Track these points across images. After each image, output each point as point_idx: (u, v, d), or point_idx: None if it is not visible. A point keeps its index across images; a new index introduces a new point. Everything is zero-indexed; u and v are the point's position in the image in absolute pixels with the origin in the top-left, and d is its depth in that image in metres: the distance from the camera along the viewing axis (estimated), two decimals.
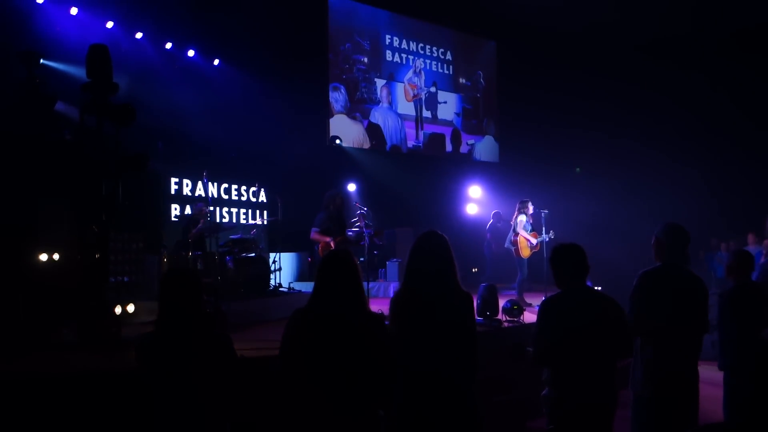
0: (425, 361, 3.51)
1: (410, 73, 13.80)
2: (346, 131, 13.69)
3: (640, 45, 16.77)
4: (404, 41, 13.70)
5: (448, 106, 14.76)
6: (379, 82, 13.38)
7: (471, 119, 15.25)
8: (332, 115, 13.52)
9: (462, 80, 15.04)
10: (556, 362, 3.82)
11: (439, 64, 14.46)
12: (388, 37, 13.54)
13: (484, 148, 15.52)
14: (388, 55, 13.53)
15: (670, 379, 4.16)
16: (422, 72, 14.03)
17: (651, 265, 4.39)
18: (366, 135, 13.85)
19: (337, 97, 13.28)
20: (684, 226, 4.45)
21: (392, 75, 13.68)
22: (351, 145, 14.53)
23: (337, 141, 15.34)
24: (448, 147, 14.99)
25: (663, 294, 4.20)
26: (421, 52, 14.16)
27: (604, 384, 3.79)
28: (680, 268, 4.36)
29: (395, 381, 3.48)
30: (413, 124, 14.05)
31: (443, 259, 3.69)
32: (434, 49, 14.32)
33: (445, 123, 15.08)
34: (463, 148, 15.70)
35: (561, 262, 3.97)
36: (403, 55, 13.76)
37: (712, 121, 16.52)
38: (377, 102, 13.59)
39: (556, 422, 3.82)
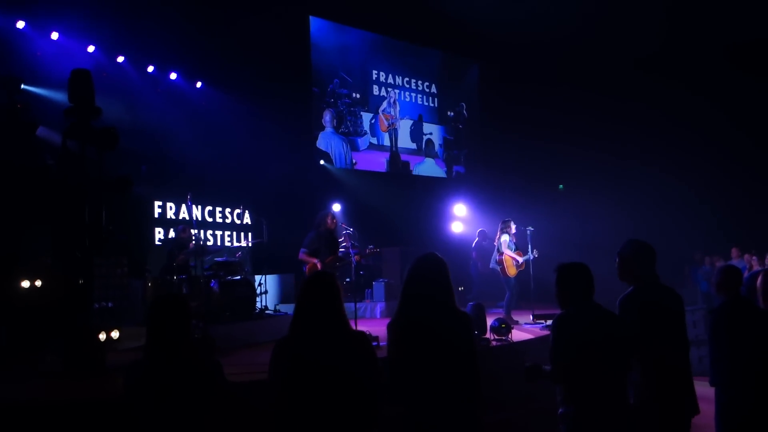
0: (427, 386, 3.47)
1: (384, 104, 14.15)
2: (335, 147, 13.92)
3: (623, 60, 16.93)
4: (390, 75, 14.10)
5: (434, 137, 15.12)
6: (366, 116, 13.70)
7: (452, 150, 15.56)
8: (323, 129, 13.64)
9: (449, 113, 15.40)
10: (573, 379, 3.83)
11: (424, 97, 14.88)
12: (374, 72, 13.93)
13: (425, 170, 15.43)
14: (375, 89, 13.91)
15: (672, 396, 4.18)
16: (396, 103, 14.36)
17: (626, 289, 4.41)
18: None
19: (328, 118, 13.59)
20: (647, 242, 4.48)
21: (377, 109, 14.11)
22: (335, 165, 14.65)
23: (322, 162, 15.38)
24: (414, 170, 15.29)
25: (649, 317, 4.22)
26: (407, 86, 14.54)
27: (619, 398, 3.85)
28: (656, 286, 4.40)
29: (385, 399, 3.43)
30: (387, 153, 14.37)
31: (442, 282, 3.65)
32: (419, 82, 14.71)
33: (431, 154, 15.46)
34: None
35: (573, 280, 4.01)
36: (389, 89, 14.13)
37: (695, 136, 16.68)
38: (363, 134, 13.93)
39: None
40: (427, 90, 15.13)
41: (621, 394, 3.87)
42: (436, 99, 15.42)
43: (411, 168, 14.85)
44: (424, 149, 15.29)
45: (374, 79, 14.16)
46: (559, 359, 3.88)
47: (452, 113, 15.69)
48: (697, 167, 16.54)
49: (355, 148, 13.86)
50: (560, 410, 3.93)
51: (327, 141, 13.48)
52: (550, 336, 4.02)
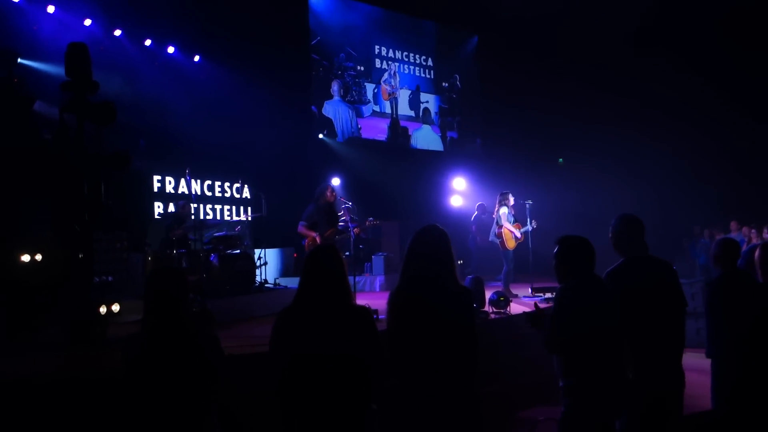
0: (425, 359, 3.47)
1: (386, 75, 15.59)
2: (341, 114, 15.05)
3: (622, 32, 16.81)
4: (390, 50, 15.58)
5: (430, 105, 16.64)
6: (369, 86, 15.13)
7: (446, 117, 16.95)
8: (331, 98, 14.74)
9: (444, 84, 16.89)
10: (575, 351, 3.84)
11: (421, 69, 16.37)
12: (377, 47, 15.37)
13: (422, 136, 16.61)
14: (377, 63, 15.41)
15: (660, 370, 4.19)
16: (396, 74, 15.79)
17: (615, 262, 4.43)
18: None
19: (336, 88, 14.72)
20: (636, 215, 4.48)
21: (380, 80, 15.60)
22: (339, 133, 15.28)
23: (321, 136, 15.42)
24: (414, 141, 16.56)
25: (635, 288, 4.22)
26: (405, 59, 16.00)
27: (619, 372, 3.88)
28: (644, 258, 4.41)
29: (385, 374, 3.45)
30: (388, 120, 15.79)
31: (443, 256, 3.62)
32: (416, 56, 16.23)
33: (428, 121, 16.88)
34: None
35: (574, 253, 4.01)
36: (390, 63, 15.62)
37: (693, 110, 16.60)
38: (367, 102, 15.21)
39: (580, 411, 3.83)
40: (424, 63, 16.53)
41: (620, 366, 3.89)
42: (432, 71, 16.81)
43: (410, 133, 16.09)
44: (422, 116, 16.53)
45: (376, 53, 15.46)
46: (558, 330, 3.88)
47: (446, 84, 17.08)
48: (697, 141, 16.50)
49: (359, 114, 15.09)
50: (560, 383, 3.95)
51: (335, 108, 14.57)
52: (552, 306, 4.03)
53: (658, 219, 4.58)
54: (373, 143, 15.69)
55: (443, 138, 17.15)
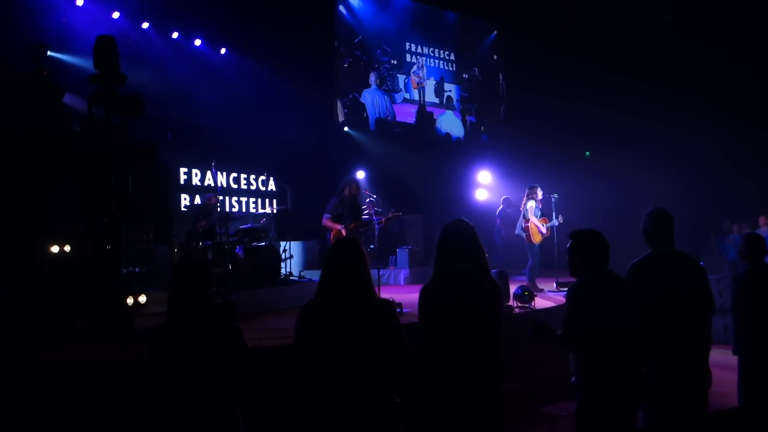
0: (454, 353, 3.47)
1: (414, 68, 18.00)
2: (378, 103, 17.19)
3: (653, 18, 16.58)
4: (418, 46, 18.07)
5: (452, 94, 19.04)
6: (401, 77, 17.59)
7: (466, 104, 19.18)
8: (369, 87, 16.86)
9: (464, 75, 19.20)
10: (588, 348, 3.80)
11: (445, 63, 18.80)
12: (407, 44, 17.83)
13: (445, 120, 18.69)
14: (408, 57, 17.85)
15: (683, 366, 4.14)
16: (424, 67, 18.18)
17: (640, 255, 4.37)
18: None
19: (373, 78, 16.85)
20: (667, 210, 4.41)
21: (410, 71, 18.05)
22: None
23: (346, 128, 15.52)
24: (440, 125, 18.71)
25: (658, 282, 4.17)
26: (431, 54, 18.46)
27: (632, 368, 3.81)
28: (671, 252, 4.33)
29: (409, 367, 3.45)
30: (416, 106, 18.10)
31: (474, 250, 3.62)
32: (441, 51, 18.66)
33: (451, 107, 19.09)
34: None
35: (588, 248, 3.96)
36: (418, 57, 18.13)
37: (723, 103, 16.27)
38: (399, 91, 17.49)
39: (592, 408, 3.80)
40: (447, 57, 18.91)
41: (635, 364, 3.83)
42: (454, 64, 19.11)
43: (435, 117, 18.32)
44: (445, 103, 18.73)
45: (407, 49, 17.83)
46: (572, 327, 3.84)
47: (466, 75, 19.29)
48: (729, 134, 16.14)
49: (393, 101, 17.35)
50: (573, 378, 3.92)
51: (372, 96, 16.80)
52: (566, 303, 3.99)
53: (687, 213, 4.51)
54: (404, 125, 17.61)
55: (464, 122, 19.21)
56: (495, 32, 19.87)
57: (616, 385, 3.74)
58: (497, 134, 19.78)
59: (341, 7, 16.29)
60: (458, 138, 18.80)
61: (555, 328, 4.01)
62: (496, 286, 3.68)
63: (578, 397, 3.87)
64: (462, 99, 19.09)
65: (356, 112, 16.52)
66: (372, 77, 16.87)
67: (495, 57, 19.81)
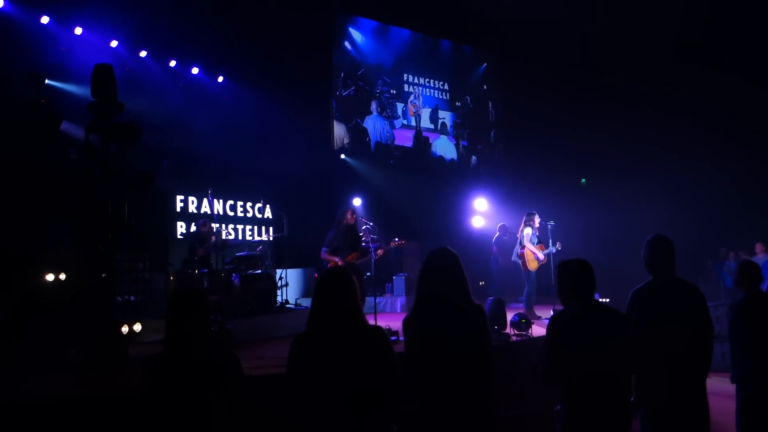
0: (441, 381, 3.47)
1: (411, 97, 19.15)
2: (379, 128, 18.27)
3: (649, 47, 16.71)
4: (415, 77, 19.31)
5: (446, 120, 20.15)
6: (399, 105, 18.71)
7: (459, 129, 20.25)
8: (371, 114, 17.88)
9: (457, 103, 20.30)
10: (566, 380, 3.75)
11: (439, 92, 20.05)
12: (405, 75, 19.03)
13: (440, 144, 19.61)
14: (406, 87, 19.04)
15: (681, 390, 4.12)
16: (420, 96, 19.35)
17: (641, 282, 4.37)
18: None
19: (374, 106, 18.03)
20: (666, 237, 4.41)
21: (407, 100, 19.14)
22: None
23: (343, 156, 15.60)
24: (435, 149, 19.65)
25: (659, 307, 4.18)
26: (427, 84, 19.63)
27: (617, 401, 3.73)
28: (671, 280, 4.34)
29: (402, 394, 3.43)
30: (413, 131, 19.08)
31: (455, 277, 3.64)
32: (436, 81, 19.87)
33: (444, 132, 20.10)
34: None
35: (571, 277, 3.91)
36: (415, 87, 19.35)
37: (720, 131, 16.34)
38: (398, 117, 18.66)
39: None
40: (441, 87, 20.13)
41: (619, 395, 3.75)
42: (448, 93, 20.29)
43: (430, 142, 19.42)
44: (439, 129, 19.77)
45: (405, 80, 19.02)
46: (548, 359, 3.78)
47: (459, 103, 20.39)
48: (724, 161, 16.19)
49: (393, 126, 18.46)
50: (557, 407, 3.88)
51: (373, 122, 17.91)
52: (545, 335, 3.95)
53: (684, 240, 4.51)
54: (402, 149, 18.48)
55: (457, 146, 20.13)
56: (485, 64, 20.97)
57: (594, 420, 3.67)
58: (489, 158, 20.39)
59: (346, 43, 17.39)
60: (452, 159, 19.66)
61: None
62: (479, 311, 3.67)
63: (557, 425, 3.84)
64: (455, 125, 20.21)
65: (359, 136, 17.43)
66: (374, 105, 18.02)
67: (485, 87, 20.88)
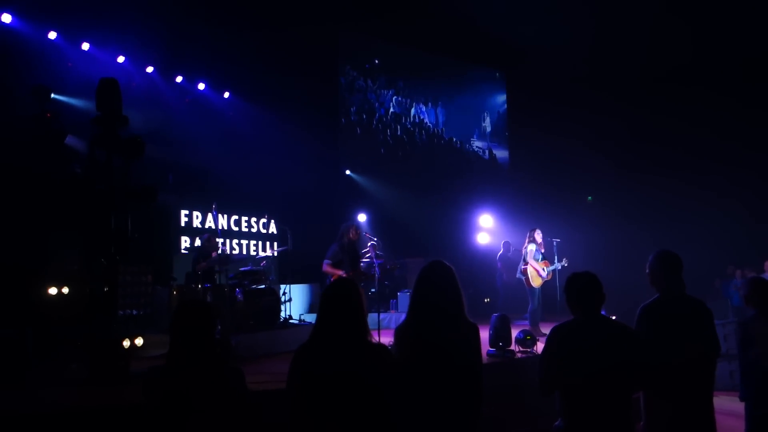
0: (428, 393, 3.44)
1: (415, 110, 19.14)
2: None
3: (652, 72, 16.76)
4: (428, 96, 19.55)
5: (455, 136, 20.15)
6: (404, 117, 18.98)
7: (468, 145, 20.27)
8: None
9: (469, 121, 20.16)
10: (565, 392, 3.71)
11: (444, 107, 19.94)
12: (410, 89, 19.16)
13: (450, 156, 19.90)
14: (411, 101, 19.13)
15: (688, 408, 4.07)
16: (424, 110, 19.45)
17: (650, 298, 4.33)
18: None
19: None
20: (675, 252, 4.37)
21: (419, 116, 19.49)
22: None
23: (348, 171, 15.61)
24: None
25: (666, 324, 4.14)
26: (438, 102, 19.79)
27: (617, 416, 3.66)
28: (678, 295, 4.30)
29: (400, 410, 3.39)
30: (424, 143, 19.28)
31: (449, 291, 3.60)
32: (442, 96, 19.79)
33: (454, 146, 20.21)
34: None
35: (576, 290, 3.89)
36: (427, 104, 19.61)
37: (726, 149, 16.35)
38: (403, 129, 18.87)
39: None
40: (449, 101, 20.06)
41: (622, 411, 3.67)
42: (461, 111, 20.11)
43: (437, 153, 19.63)
44: (445, 142, 19.88)
45: (411, 93, 19.20)
46: (544, 370, 3.76)
47: (472, 120, 20.37)
48: (731, 179, 16.20)
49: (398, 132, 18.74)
50: (556, 422, 3.83)
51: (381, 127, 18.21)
52: (544, 345, 3.92)
53: (691, 258, 4.48)
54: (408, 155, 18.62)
55: (468, 160, 20.18)
56: (502, 82, 20.76)
57: (593, 430, 3.63)
58: (495, 174, 20.25)
59: (350, 66, 17.28)
60: (458, 172, 19.46)
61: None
62: (473, 328, 3.64)
63: None
64: (466, 140, 20.09)
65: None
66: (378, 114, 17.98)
67: (504, 107, 20.73)
